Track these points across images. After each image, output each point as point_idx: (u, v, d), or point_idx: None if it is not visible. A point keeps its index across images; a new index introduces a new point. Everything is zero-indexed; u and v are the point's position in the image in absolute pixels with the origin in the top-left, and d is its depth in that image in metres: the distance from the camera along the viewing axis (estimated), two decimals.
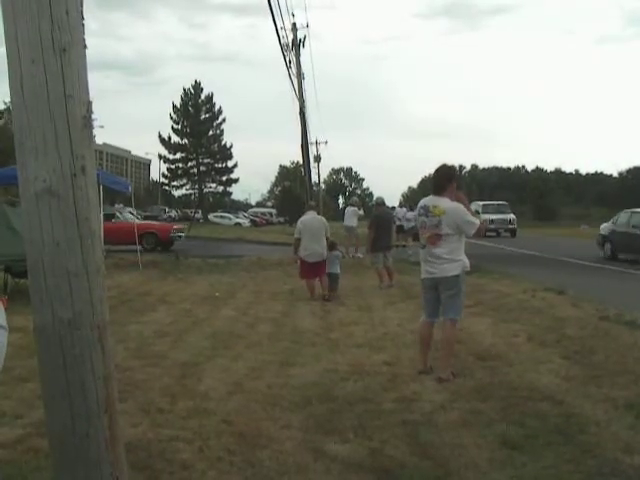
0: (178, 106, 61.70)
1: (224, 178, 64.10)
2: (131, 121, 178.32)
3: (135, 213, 20.69)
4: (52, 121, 2.03)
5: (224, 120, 63.04)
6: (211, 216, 55.86)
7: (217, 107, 62.65)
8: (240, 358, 5.55)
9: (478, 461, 3.25)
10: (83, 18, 2.13)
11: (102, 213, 19.96)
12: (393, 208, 20.97)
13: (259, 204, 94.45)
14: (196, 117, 61.62)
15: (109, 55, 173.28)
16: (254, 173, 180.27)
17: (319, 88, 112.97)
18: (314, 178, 41.16)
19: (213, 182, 64.64)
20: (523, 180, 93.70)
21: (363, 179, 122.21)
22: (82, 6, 2.14)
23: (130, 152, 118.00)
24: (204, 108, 62.41)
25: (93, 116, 2.21)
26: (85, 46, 2.13)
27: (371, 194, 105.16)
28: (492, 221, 30.98)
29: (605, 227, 18.00)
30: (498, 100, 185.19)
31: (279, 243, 23.79)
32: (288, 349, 5.93)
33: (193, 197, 66.66)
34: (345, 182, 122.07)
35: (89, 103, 2.14)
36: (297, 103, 22.07)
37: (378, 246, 10.95)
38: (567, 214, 77.13)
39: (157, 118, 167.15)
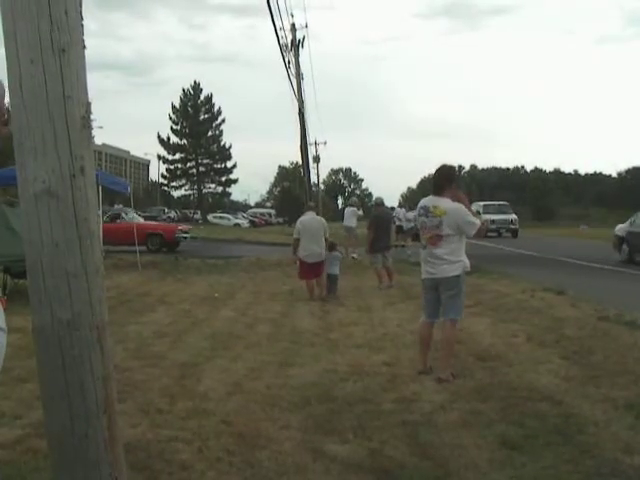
0: (177, 107, 61.74)
1: (223, 179, 64.15)
2: (130, 121, 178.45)
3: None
4: (51, 122, 2.03)
5: (223, 121, 63.16)
6: (210, 217, 55.91)
7: (216, 108, 62.77)
8: (239, 358, 5.55)
9: (478, 461, 3.25)
10: (82, 18, 2.13)
11: (109, 213, 20.07)
12: (392, 208, 20.98)
13: (258, 205, 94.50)
14: (195, 118, 61.64)
15: (108, 55, 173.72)
16: (253, 174, 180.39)
17: (318, 88, 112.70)
18: (313, 179, 41.15)
19: (212, 183, 64.68)
20: (522, 180, 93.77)
21: (362, 179, 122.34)
22: (81, 6, 2.13)
23: (129, 153, 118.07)
24: (203, 109, 62.44)
25: (92, 116, 2.21)
26: (84, 46, 2.12)
27: (370, 194, 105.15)
28: (493, 221, 30.64)
29: (621, 228, 17.08)
30: (498, 100, 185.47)
31: (278, 244, 23.79)
32: (287, 349, 5.93)
33: (192, 198, 66.72)
34: (344, 182, 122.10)
35: (88, 104, 2.13)
36: (296, 103, 22.09)
37: (377, 246, 10.95)
38: (566, 214, 77.18)
39: (156, 119, 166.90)
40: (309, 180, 23.93)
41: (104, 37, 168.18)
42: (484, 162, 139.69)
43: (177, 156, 62.22)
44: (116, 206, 32.03)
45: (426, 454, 3.37)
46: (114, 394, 2.22)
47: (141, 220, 23.59)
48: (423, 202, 5.12)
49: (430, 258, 4.97)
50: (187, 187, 64.91)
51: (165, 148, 61.61)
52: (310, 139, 35.94)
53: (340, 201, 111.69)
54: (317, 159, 50.28)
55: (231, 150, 63.20)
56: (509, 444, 3.47)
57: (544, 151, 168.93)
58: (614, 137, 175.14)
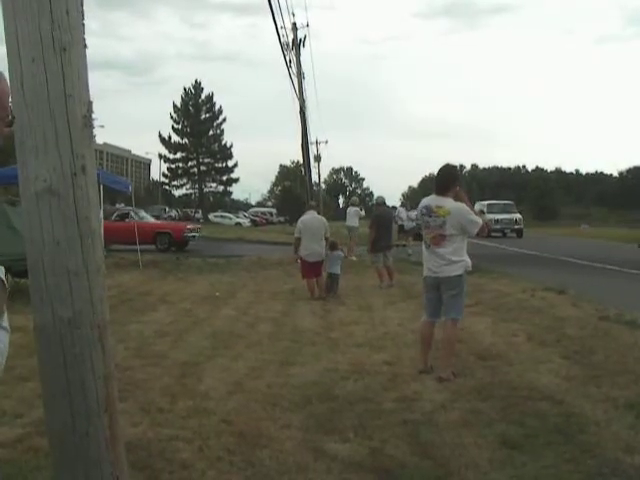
0: (178, 106, 61.71)
1: (224, 178, 64.10)
2: (131, 121, 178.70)
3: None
4: (52, 120, 2.03)
5: (224, 120, 63.13)
6: (211, 216, 55.91)
7: (217, 107, 62.74)
8: (240, 358, 5.55)
9: (478, 461, 3.25)
10: (83, 17, 2.13)
11: (116, 213, 20.03)
12: (394, 208, 20.96)
13: (259, 204, 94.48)
14: (196, 117, 61.63)
15: (109, 54, 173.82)
16: (254, 173, 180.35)
17: (319, 88, 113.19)
18: (314, 178, 41.12)
19: (213, 182, 64.64)
20: (523, 180, 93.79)
21: (363, 179, 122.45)
22: (82, 5, 2.14)
23: (130, 152, 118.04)
24: (204, 108, 62.41)
25: (93, 115, 2.21)
26: (85, 45, 2.12)
27: (371, 194, 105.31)
28: (497, 221, 30.24)
29: None
30: (498, 100, 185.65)
31: (279, 243, 23.80)
32: (288, 348, 5.93)
33: (193, 197, 66.70)
34: (345, 182, 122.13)
35: (89, 103, 2.13)
36: (297, 103, 22.05)
37: (379, 246, 10.95)
38: (567, 214, 77.19)
39: (157, 118, 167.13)
40: (310, 179, 23.88)
41: (105, 36, 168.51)
42: (485, 162, 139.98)
43: (178, 155, 62.19)
44: (118, 205, 32.01)
45: (427, 453, 3.37)
46: (115, 393, 2.22)
47: (151, 219, 23.53)
48: (425, 201, 5.11)
49: (433, 257, 4.96)
50: (188, 186, 64.93)
51: (166, 147, 61.61)
52: (311, 138, 35.96)
53: (341, 200, 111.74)
54: (318, 158, 50.15)
55: (232, 149, 63.25)
56: (510, 443, 3.47)
57: (545, 151, 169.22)
58: (615, 137, 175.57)
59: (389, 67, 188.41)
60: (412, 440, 3.57)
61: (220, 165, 63.33)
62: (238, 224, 51.36)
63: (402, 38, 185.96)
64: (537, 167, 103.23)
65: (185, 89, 62.09)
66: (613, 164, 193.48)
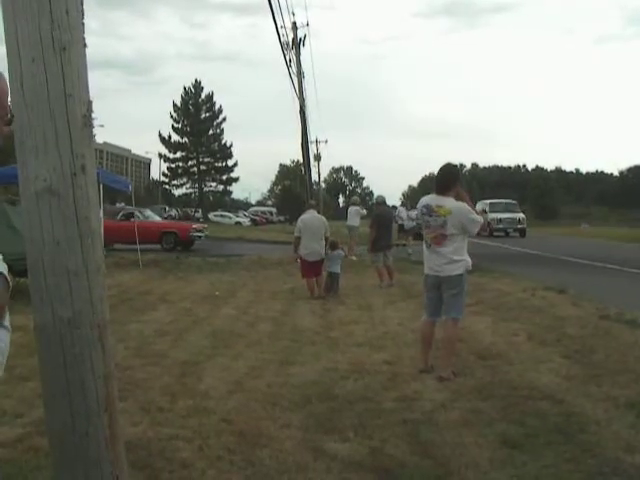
0: (178, 105, 61.76)
1: (224, 177, 64.15)
2: (131, 120, 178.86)
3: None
4: (52, 120, 2.03)
5: (224, 119, 63.21)
6: (211, 215, 55.91)
7: (217, 106, 62.83)
8: (240, 357, 5.55)
9: (479, 460, 3.25)
10: (83, 17, 2.13)
11: (122, 212, 20.03)
12: (394, 207, 20.95)
13: (259, 203, 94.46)
14: (196, 116, 61.66)
15: (109, 54, 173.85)
16: (254, 172, 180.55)
17: (319, 87, 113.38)
18: (314, 177, 41.14)
19: (213, 181, 64.70)
20: (524, 179, 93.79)
21: (363, 178, 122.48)
22: (82, 5, 2.13)
23: (130, 151, 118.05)
24: (204, 107, 62.46)
25: (93, 115, 2.21)
26: (85, 45, 2.12)
27: (371, 193, 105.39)
28: (500, 220, 29.84)
29: None
30: (498, 100, 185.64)
31: (279, 242, 23.81)
32: (288, 348, 5.93)
33: (193, 196, 66.74)
34: (345, 181, 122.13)
35: (89, 102, 2.13)
36: (297, 102, 22.05)
37: (379, 245, 10.95)
38: (567, 213, 77.18)
39: (157, 117, 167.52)
40: (310, 178, 23.88)
41: (105, 36, 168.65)
42: (485, 161, 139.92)
43: (178, 154, 62.24)
44: (118, 204, 31.95)
45: (427, 453, 3.37)
46: (115, 392, 2.22)
47: (157, 219, 23.46)
48: (426, 201, 5.09)
49: (434, 256, 4.96)
50: (188, 185, 65.02)
51: (166, 146, 61.64)
52: (311, 137, 35.98)
53: (341, 199, 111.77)
54: (318, 157, 50.14)
55: (232, 148, 63.36)
56: (510, 443, 3.47)
57: (545, 150, 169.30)
58: (615, 136, 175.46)
59: (389, 67, 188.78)
60: (412, 439, 3.57)
61: (220, 164, 63.38)
62: (238, 223, 51.37)
63: (402, 38, 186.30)
64: (537, 166, 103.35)
65: (185, 88, 62.20)
66: (613, 163, 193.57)
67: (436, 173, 5.32)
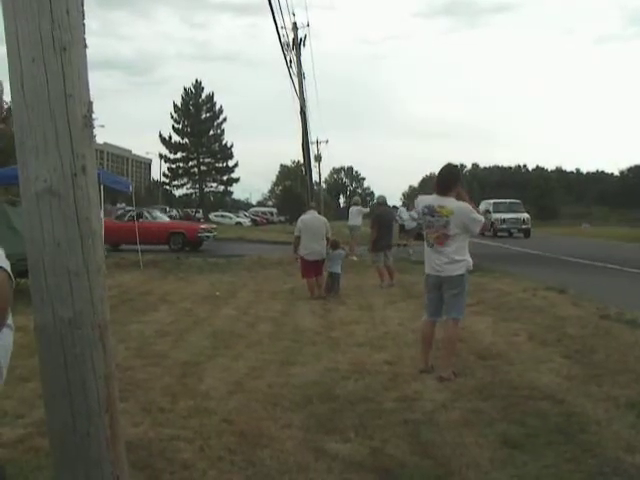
0: (179, 105, 61.73)
1: (225, 177, 64.11)
2: (132, 120, 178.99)
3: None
4: (53, 120, 2.03)
5: (225, 119, 63.16)
6: (212, 215, 55.89)
7: (218, 106, 62.77)
8: (241, 357, 5.55)
9: (479, 460, 3.25)
10: (84, 17, 2.13)
11: (130, 213, 20.01)
12: (395, 208, 20.93)
13: (260, 203, 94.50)
14: (197, 116, 61.64)
15: (110, 54, 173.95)
16: (255, 172, 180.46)
17: (319, 88, 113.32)
18: (315, 177, 41.16)
19: (214, 181, 64.66)
20: (524, 179, 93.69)
21: (364, 178, 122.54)
22: (83, 5, 2.13)
23: (131, 152, 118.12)
24: (205, 107, 62.43)
25: (94, 115, 2.21)
26: (85, 45, 2.12)
27: (372, 193, 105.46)
28: (504, 220, 29.41)
29: None
30: (498, 100, 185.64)
31: (280, 242, 23.79)
32: (289, 348, 5.93)
33: (194, 196, 66.70)
34: (346, 181, 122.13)
35: (90, 102, 2.13)
36: (297, 102, 22.05)
37: (379, 245, 10.95)
38: (568, 213, 77.10)
39: (158, 117, 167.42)
40: (311, 179, 23.89)
41: (105, 36, 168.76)
42: (485, 161, 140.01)
43: (179, 155, 62.21)
44: (119, 205, 31.90)
45: (427, 453, 3.37)
46: (116, 393, 2.22)
47: (166, 219, 23.39)
48: (427, 201, 5.07)
49: (436, 256, 4.96)
50: (189, 186, 64.94)
51: (167, 147, 61.62)
52: (312, 138, 35.96)
53: (342, 200, 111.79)
54: (319, 158, 50.17)
55: (233, 149, 63.28)
56: (510, 443, 3.47)
57: (545, 150, 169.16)
58: (616, 135, 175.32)
59: (389, 67, 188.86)
60: (413, 440, 3.57)
61: (220, 165, 63.34)
62: (238, 224, 51.37)
63: (402, 38, 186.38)
64: (538, 166, 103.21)
65: (185, 89, 62.15)
66: (614, 163, 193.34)
67: (437, 173, 5.32)
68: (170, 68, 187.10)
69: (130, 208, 22.44)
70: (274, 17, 15.87)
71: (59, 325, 2.08)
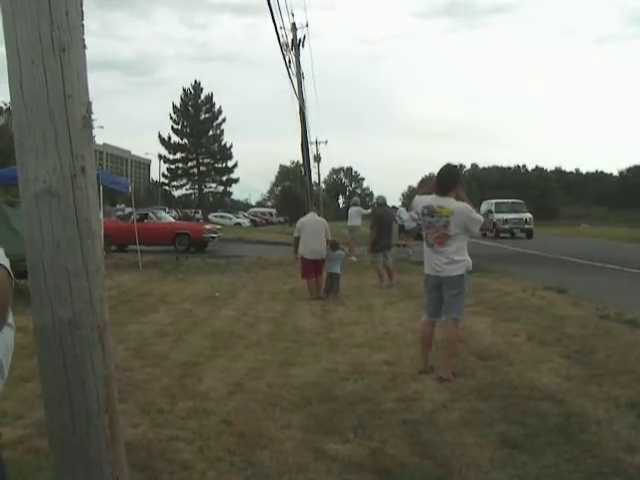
0: (178, 106, 61.75)
1: (224, 178, 64.12)
2: (131, 121, 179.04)
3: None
4: (52, 121, 2.03)
5: (224, 120, 63.18)
6: (211, 216, 55.86)
7: (217, 107, 62.81)
8: (240, 358, 5.55)
9: (479, 460, 3.25)
10: (83, 18, 2.13)
11: (136, 213, 20.05)
12: (395, 208, 20.91)
13: (259, 204, 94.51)
14: (196, 117, 61.65)
15: (109, 55, 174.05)
16: (254, 173, 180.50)
17: (319, 88, 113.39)
18: (314, 178, 41.15)
19: (213, 182, 64.67)
20: (523, 179, 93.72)
21: (363, 179, 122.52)
22: (82, 6, 2.13)
23: (130, 152, 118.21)
24: (204, 108, 62.44)
25: (93, 116, 2.21)
26: (85, 46, 2.12)
27: (371, 194, 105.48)
28: (506, 221, 29.08)
29: None
30: (498, 100, 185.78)
31: (279, 243, 23.79)
32: (288, 349, 5.93)
33: (193, 197, 66.70)
34: (345, 182, 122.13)
35: (89, 103, 2.13)
36: (297, 103, 22.06)
37: (379, 246, 10.96)
38: (567, 213, 77.20)
39: (157, 118, 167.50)
40: (310, 179, 23.90)
41: (104, 37, 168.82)
42: (485, 162, 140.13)
43: (178, 156, 62.21)
44: (118, 206, 31.86)
45: (427, 453, 3.36)
46: (115, 393, 2.22)
47: (171, 220, 23.32)
48: (426, 201, 5.07)
49: (436, 256, 4.96)
50: (188, 187, 64.93)
51: (166, 148, 61.62)
52: (311, 138, 36.00)
53: (341, 200, 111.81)
54: (318, 158, 50.22)
55: (232, 149, 63.32)
56: (510, 443, 3.47)
57: (545, 150, 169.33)
58: (615, 136, 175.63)
59: (389, 67, 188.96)
60: (412, 440, 3.56)
61: (220, 165, 63.35)
62: (238, 224, 51.35)
63: (402, 38, 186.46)
64: (537, 166, 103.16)
65: (184, 89, 62.20)
66: (613, 163, 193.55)
67: (436, 174, 5.32)
68: (169, 69, 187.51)
69: (130, 209, 22.42)
70: (273, 18, 15.88)
71: (58, 326, 2.08)
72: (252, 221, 56.39)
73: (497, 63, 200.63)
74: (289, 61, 20.47)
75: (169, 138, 61.52)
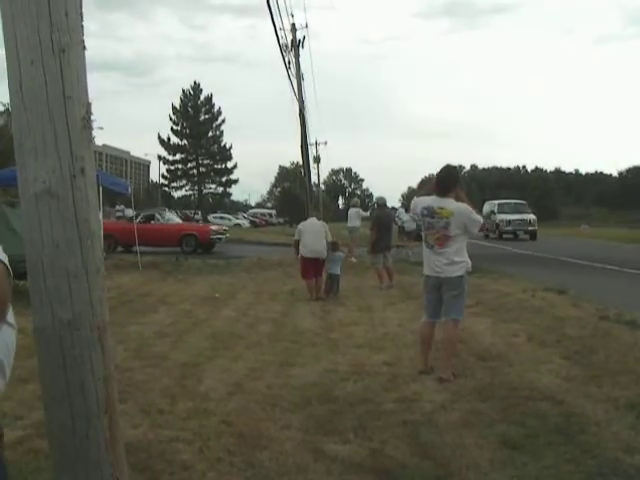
0: (177, 107, 61.74)
1: (224, 179, 64.10)
2: (130, 122, 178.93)
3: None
4: (51, 122, 2.03)
5: (223, 121, 63.19)
6: (211, 217, 55.83)
7: (216, 108, 62.79)
8: (240, 359, 5.55)
9: (479, 461, 3.25)
10: (82, 19, 2.13)
11: (143, 214, 19.96)
12: (394, 209, 20.92)
13: (259, 205, 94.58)
14: (195, 118, 61.64)
15: (109, 56, 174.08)
16: (254, 174, 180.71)
17: (318, 88, 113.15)
18: (314, 179, 41.17)
19: (213, 183, 64.65)
20: (523, 180, 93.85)
21: (363, 179, 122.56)
22: (81, 7, 2.13)
23: (129, 153, 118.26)
24: (203, 109, 62.44)
25: (92, 117, 2.21)
26: (84, 47, 2.12)
27: (371, 195, 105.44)
28: (509, 222, 28.65)
29: None
30: (498, 100, 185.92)
31: (279, 244, 23.79)
32: (288, 349, 5.93)
33: (193, 198, 66.69)
34: (345, 183, 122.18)
35: (88, 104, 2.13)
36: (296, 104, 22.07)
37: (379, 247, 10.98)
38: (567, 214, 77.30)
39: (156, 119, 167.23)
40: (310, 180, 23.92)
41: (104, 38, 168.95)
42: (484, 162, 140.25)
43: (177, 157, 62.20)
44: (117, 207, 31.85)
45: (427, 454, 3.36)
46: (115, 394, 2.22)
47: (178, 221, 23.27)
48: (425, 202, 5.07)
49: (435, 257, 4.97)
50: (187, 188, 64.90)
51: (165, 149, 61.60)
52: (310, 139, 35.96)
53: (341, 201, 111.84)
54: (318, 159, 50.24)
55: (231, 150, 63.29)
56: (510, 444, 3.47)
57: (545, 151, 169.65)
58: (615, 136, 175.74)
59: (389, 67, 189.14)
60: (412, 441, 3.56)
61: (219, 166, 63.33)
62: (237, 225, 51.35)
63: (402, 38, 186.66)
64: (537, 167, 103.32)
65: (184, 90, 62.21)
66: (613, 164, 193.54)
67: (436, 175, 5.32)
68: (169, 69, 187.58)
69: (129, 210, 22.39)
70: (273, 19, 15.91)
71: (58, 326, 2.08)
72: (252, 222, 56.42)
73: (497, 63, 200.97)
74: (289, 62, 20.51)
75: (169, 139, 61.54)
